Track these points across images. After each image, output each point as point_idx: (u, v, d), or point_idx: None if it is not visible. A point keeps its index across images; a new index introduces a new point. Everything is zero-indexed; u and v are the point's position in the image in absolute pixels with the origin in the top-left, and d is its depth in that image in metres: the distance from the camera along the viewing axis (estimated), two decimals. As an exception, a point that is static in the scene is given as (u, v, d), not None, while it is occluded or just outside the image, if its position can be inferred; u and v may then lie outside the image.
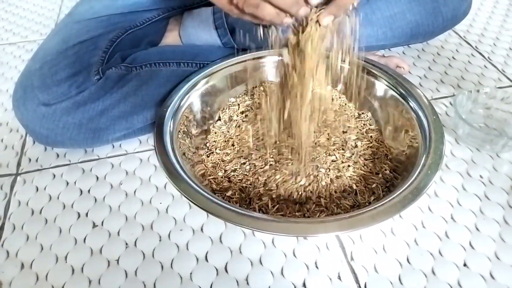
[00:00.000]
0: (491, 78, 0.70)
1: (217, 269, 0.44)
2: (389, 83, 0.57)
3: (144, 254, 0.46)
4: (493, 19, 0.87)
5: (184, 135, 0.54)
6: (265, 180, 0.50)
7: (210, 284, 0.43)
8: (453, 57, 0.75)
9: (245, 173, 0.51)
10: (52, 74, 0.54)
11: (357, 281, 0.43)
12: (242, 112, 0.60)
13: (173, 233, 0.48)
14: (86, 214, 0.51)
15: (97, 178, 0.55)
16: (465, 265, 0.44)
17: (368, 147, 0.55)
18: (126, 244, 0.47)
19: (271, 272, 0.44)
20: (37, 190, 0.54)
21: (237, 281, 0.43)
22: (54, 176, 0.56)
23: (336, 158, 0.52)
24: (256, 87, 0.63)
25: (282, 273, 0.44)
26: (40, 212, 0.51)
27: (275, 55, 0.63)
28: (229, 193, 0.50)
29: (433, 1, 0.68)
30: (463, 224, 0.48)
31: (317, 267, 0.44)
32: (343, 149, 0.54)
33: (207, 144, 0.56)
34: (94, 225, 0.49)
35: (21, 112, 0.54)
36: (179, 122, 0.53)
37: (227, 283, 0.43)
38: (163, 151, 0.48)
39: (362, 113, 0.59)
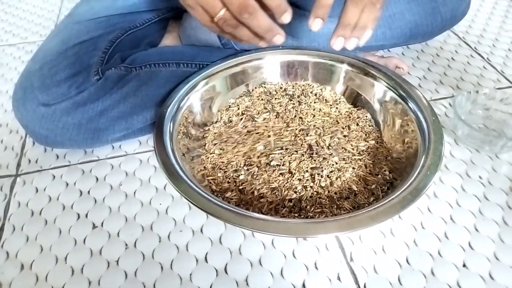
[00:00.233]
0: (490, 79, 0.70)
1: (216, 270, 0.45)
2: (388, 84, 0.57)
3: (144, 255, 0.46)
4: (492, 20, 0.87)
5: (184, 136, 0.54)
6: (265, 180, 0.50)
7: (210, 285, 0.43)
8: (452, 58, 0.76)
9: (245, 174, 0.51)
10: (52, 74, 0.54)
11: (356, 282, 0.43)
12: (242, 113, 0.60)
13: (173, 234, 0.48)
14: (86, 215, 0.51)
15: (97, 179, 0.55)
16: (464, 265, 0.44)
17: (367, 148, 0.55)
18: (126, 245, 0.47)
19: (271, 273, 0.44)
20: (37, 191, 0.54)
21: (236, 282, 0.43)
22: (54, 177, 0.56)
23: (336, 159, 0.52)
24: (256, 88, 0.63)
25: (281, 274, 0.44)
26: (40, 213, 0.51)
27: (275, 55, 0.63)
28: (228, 194, 0.50)
29: (432, 1, 0.68)
30: (462, 225, 0.48)
31: (316, 268, 0.44)
32: (342, 150, 0.54)
33: (207, 145, 0.56)
34: (94, 226, 0.49)
35: (20, 113, 0.54)
36: (178, 123, 0.53)
37: (227, 284, 0.43)
38: (163, 152, 0.48)
39: (362, 114, 0.60)
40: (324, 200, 0.48)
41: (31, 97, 0.53)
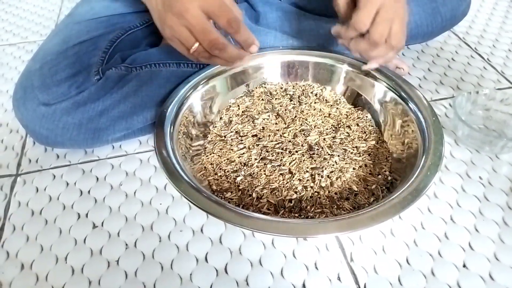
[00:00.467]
0: (491, 79, 0.70)
1: (217, 270, 0.45)
2: (388, 84, 0.57)
3: (144, 255, 0.46)
4: (492, 20, 0.87)
5: (184, 136, 0.54)
6: (265, 181, 0.50)
7: (210, 285, 0.43)
8: (452, 59, 0.76)
9: (245, 174, 0.51)
10: (52, 74, 0.54)
11: (356, 282, 0.43)
12: (242, 113, 0.60)
13: (173, 234, 0.48)
14: (86, 215, 0.51)
15: (97, 179, 0.55)
16: (464, 266, 0.44)
17: (368, 148, 0.55)
18: (126, 244, 0.47)
19: (271, 273, 0.44)
20: (37, 190, 0.54)
21: (237, 282, 0.43)
22: (54, 176, 0.56)
23: (336, 159, 0.52)
24: (256, 88, 0.63)
25: (282, 274, 0.44)
26: (40, 213, 0.51)
27: (275, 55, 0.63)
28: (228, 194, 0.50)
29: (432, 1, 0.68)
30: (462, 225, 0.48)
31: (316, 268, 0.44)
32: (343, 150, 0.54)
33: (207, 145, 0.56)
34: (94, 226, 0.49)
35: (21, 112, 0.54)
36: (179, 123, 0.54)
37: (227, 284, 0.43)
38: (163, 152, 0.48)
39: (362, 115, 0.60)
40: (324, 200, 0.48)
41: (32, 97, 0.53)
